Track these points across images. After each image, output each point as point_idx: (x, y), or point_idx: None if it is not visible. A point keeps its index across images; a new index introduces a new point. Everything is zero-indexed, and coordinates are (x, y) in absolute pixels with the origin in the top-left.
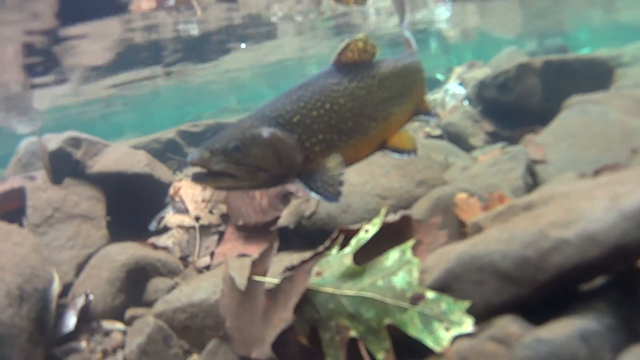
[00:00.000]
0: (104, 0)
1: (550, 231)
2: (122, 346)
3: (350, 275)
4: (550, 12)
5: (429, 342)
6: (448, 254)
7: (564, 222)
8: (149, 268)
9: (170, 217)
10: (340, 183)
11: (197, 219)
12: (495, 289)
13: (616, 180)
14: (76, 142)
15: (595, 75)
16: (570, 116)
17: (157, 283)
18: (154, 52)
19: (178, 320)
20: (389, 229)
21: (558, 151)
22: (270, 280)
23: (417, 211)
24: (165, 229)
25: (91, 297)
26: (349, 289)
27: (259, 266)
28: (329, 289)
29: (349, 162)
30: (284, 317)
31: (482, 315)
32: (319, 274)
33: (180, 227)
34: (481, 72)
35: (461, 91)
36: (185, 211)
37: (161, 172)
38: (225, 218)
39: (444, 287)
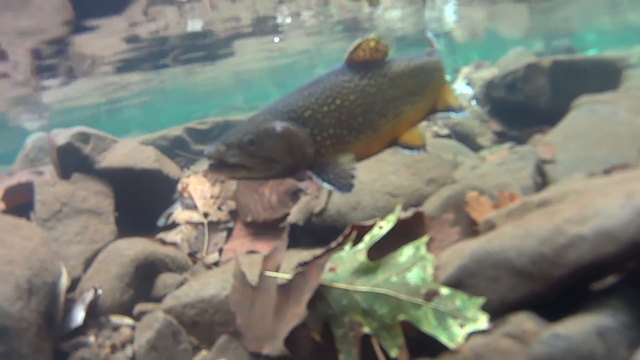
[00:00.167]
0: None
1: (566, 227)
2: (130, 341)
3: (364, 271)
4: (557, 12)
5: (443, 339)
6: (462, 251)
7: (580, 219)
8: (158, 263)
9: (179, 213)
10: (352, 176)
11: (206, 215)
12: (510, 285)
13: (630, 178)
14: (85, 137)
15: (604, 76)
16: (579, 116)
17: (166, 278)
18: (162, 49)
19: (187, 315)
20: (401, 225)
21: (567, 151)
22: (283, 275)
23: (427, 209)
24: (174, 225)
25: (100, 291)
26: (363, 285)
27: (271, 261)
28: (343, 285)
29: (359, 157)
30: (297, 312)
31: (497, 311)
32: (332, 269)
33: (188, 223)
34: (488, 73)
35: (469, 91)
36: (193, 207)
37: (170, 168)
38: (234, 214)
39: (458, 283)
